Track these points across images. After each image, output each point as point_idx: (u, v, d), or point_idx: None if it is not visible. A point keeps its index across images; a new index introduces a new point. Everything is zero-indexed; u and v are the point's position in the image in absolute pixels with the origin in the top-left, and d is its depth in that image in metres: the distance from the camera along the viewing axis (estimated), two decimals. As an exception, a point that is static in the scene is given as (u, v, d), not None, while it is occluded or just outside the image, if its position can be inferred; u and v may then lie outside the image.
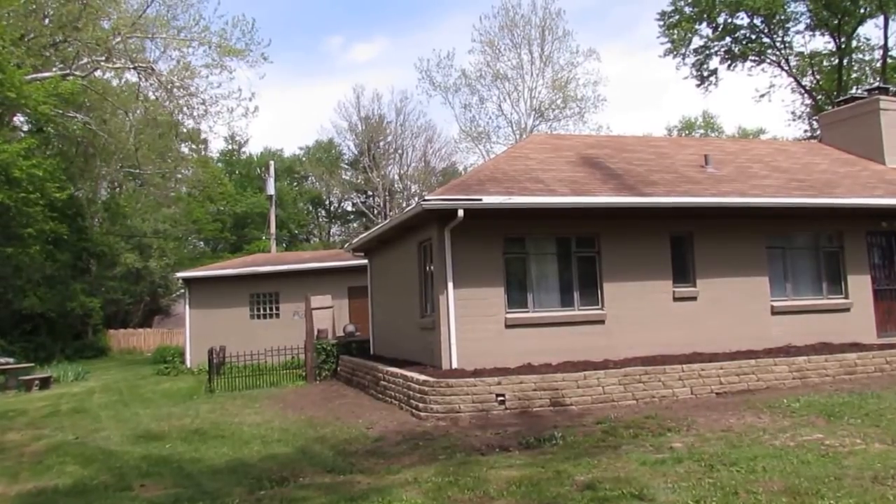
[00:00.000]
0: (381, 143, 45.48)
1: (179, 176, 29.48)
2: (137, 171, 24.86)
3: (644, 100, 69.58)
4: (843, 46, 30.15)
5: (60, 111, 21.94)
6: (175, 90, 18.02)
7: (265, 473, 7.07)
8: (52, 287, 27.63)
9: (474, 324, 11.11)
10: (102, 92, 19.88)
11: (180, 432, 10.00)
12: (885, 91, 17.73)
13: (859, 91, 19.09)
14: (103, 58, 17.37)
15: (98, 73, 20.28)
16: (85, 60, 17.85)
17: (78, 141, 24.31)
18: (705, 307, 12.36)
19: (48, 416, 12.97)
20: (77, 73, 18.80)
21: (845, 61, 30.56)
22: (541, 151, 14.34)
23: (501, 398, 9.49)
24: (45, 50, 18.13)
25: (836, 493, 4.96)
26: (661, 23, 31.91)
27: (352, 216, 55.95)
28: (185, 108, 18.43)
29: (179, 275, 23.52)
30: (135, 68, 17.66)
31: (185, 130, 22.09)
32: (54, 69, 19.02)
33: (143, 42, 17.97)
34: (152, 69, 17.68)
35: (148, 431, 10.31)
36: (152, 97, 19.06)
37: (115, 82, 20.80)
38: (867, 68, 31.18)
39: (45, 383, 18.46)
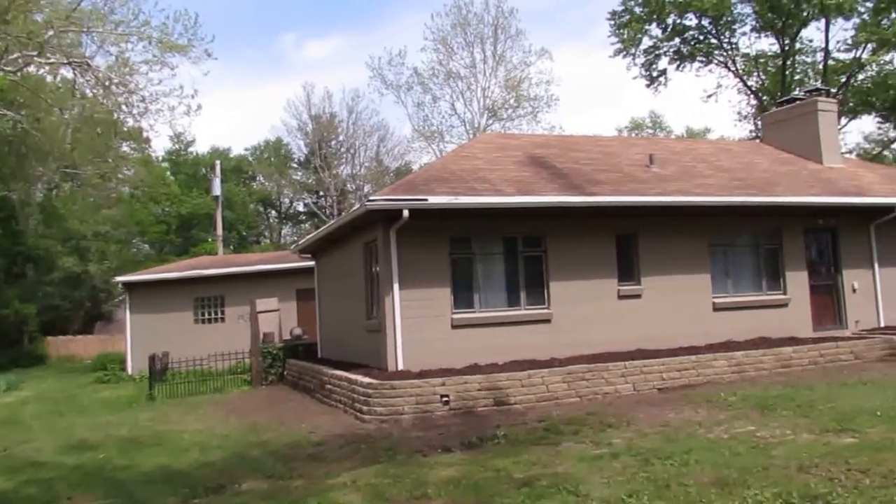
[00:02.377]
0: (333, 143, 44.90)
1: (121, 176, 28.44)
2: (74, 171, 23.84)
3: (601, 100, 70.91)
4: (786, 48, 31.15)
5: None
6: (113, 87, 17.28)
7: (201, 481, 6.90)
8: (-16, 294, 26.34)
9: (421, 325, 11.01)
10: (35, 88, 18.98)
11: (116, 441, 9.73)
12: (822, 92, 18.41)
13: (800, 92, 19.74)
14: (35, 52, 16.53)
15: (31, 69, 19.37)
16: (16, 55, 16.98)
17: (9, 140, 23.14)
18: (650, 305, 12.55)
19: (-24, 428, 12.39)
20: (7, 68, 17.92)
21: (789, 63, 31.61)
22: (488, 151, 14.34)
23: (446, 399, 9.41)
24: (-30, 44, 17.20)
25: (763, 482, 5.05)
26: (612, 22, 32.33)
27: (303, 217, 55.15)
28: (123, 106, 17.72)
29: (119, 279, 22.69)
30: (69, 64, 16.85)
31: (125, 129, 21.29)
32: (-19, 64, 18.09)
33: (78, 37, 17.19)
34: (88, 65, 16.89)
35: (82, 441, 9.99)
36: (90, 94, 18.26)
37: (49, 78, 19.93)
38: (810, 70, 32.24)
39: (-27, 394, 17.61)
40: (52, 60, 17.79)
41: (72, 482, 7.38)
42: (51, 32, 16.79)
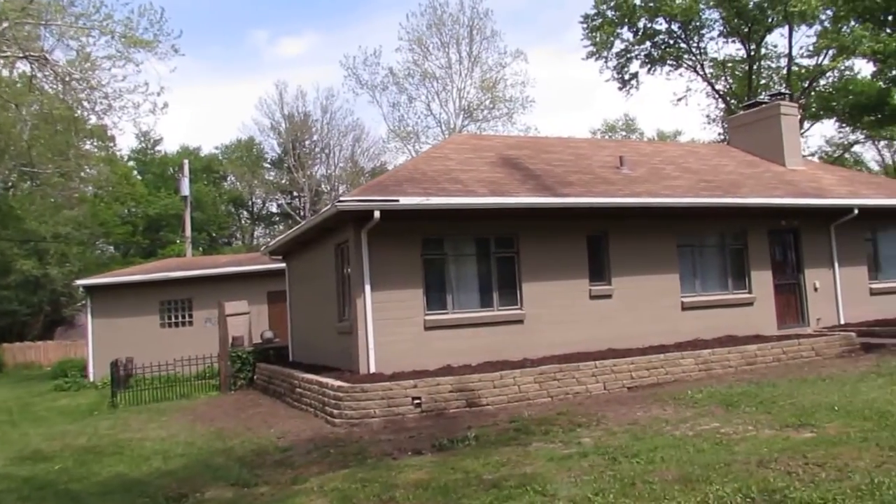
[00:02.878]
0: (307, 143, 44.41)
1: (83, 175, 27.51)
2: (33, 170, 23.05)
3: (575, 102, 71.58)
4: (752, 53, 31.88)
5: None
6: (74, 82, 16.71)
7: (161, 490, 6.71)
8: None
9: (393, 326, 10.93)
10: (-10, 83, 18.30)
11: (73, 451, 9.42)
12: (785, 97, 18.85)
13: (764, 96, 20.15)
14: (-11, 45, 15.93)
15: (-16, 63, 18.62)
16: (-33, 48, 16.32)
17: (-37, 137, 22.28)
18: (620, 304, 12.66)
19: (-80, 440, 11.91)
20: (-40, 63, 17.23)
21: (755, 67, 32.32)
22: (460, 152, 14.32)
23: (417, 401, 9.34)
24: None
25: (724, 478, 5.11)
26: (585, 26, 32.67)
27: (277, 218, 54.44)
28: (85, 103, 17.16)
29: (79, 282, 22.08)
30: (26, 58, 16.21)
31: (88, 127, 20.65)
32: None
33: (36, 29, 16.55)
34: (46, 59, 16.27)
35: (37, 452, 9.66)
36: (49, 90, 17.63)
37: (5, 73, 19.20)
38: (775, 75, 33.07)
39: (-77, 404, 16.96)
40: (7, 54, 17.15)
41: (22, 495, 7.11)
42: (6, 24, 16.17)
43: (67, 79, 16.72)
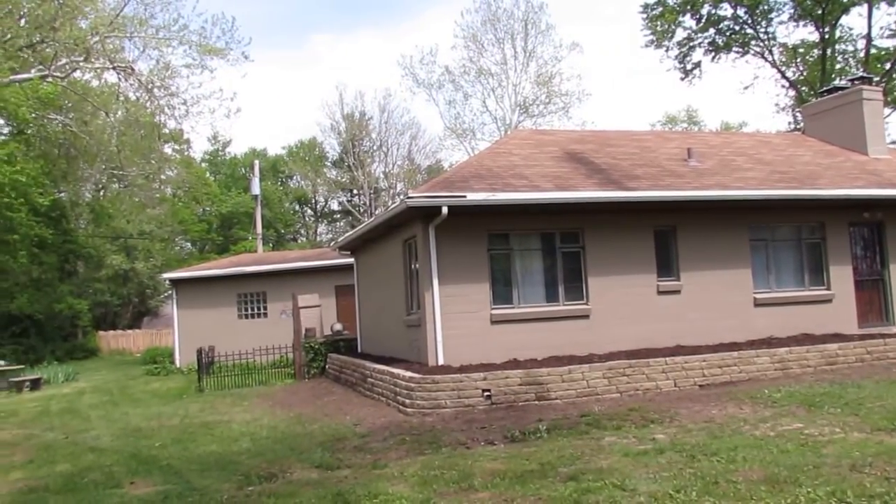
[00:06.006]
0: (365, 142, 45.28)
1: (164, 177, 29.45)
2: (121, 172, 24.76)
3: (633, 94, 69.85)
4: (826, 37, 30.21)
5: (40, 113, 21.72)
6: (156, 90, 17.90)
7: (254, 469, 7.09)
8: (40, 289, 27.77)
9: (460, 320, 11.14)
10: (82, 93, 19.72)
11: (170, 431, 10.08)
12: (867, 81, 17.72)
13: (842, 81, 19.09)
14: (82, 58, 17.18)
15: (77, 74, 20.16)
16: (63, 61, 17.66)
17: (59, 143, 24.20)
18: (689, 300, 12.45)
19: (38, 416, 13.09)
20: (56, 74, 18.64)
21: (829, 52, 30.66)
22: (524, 147, 14.37)
23: (487, 393, 9.55)
24: (22, 51, 17.93)
25: (814, 481, 4.98)
26: (645, 15, 31.86)
27: (338, 215, 55.87)
28: (166, 109, 18.35)
29: (166, 276, 23.59)
30: (114, 68, 17.47)
31: (167, 131, 22.01)
32: (32, 70, 18.86)
33: (121, 42, 17.81)
34: (132, 69, 17.51)
35: (138, 430, 10.40)
36: (133, 98, 18.94)
37: (94, 83, 20.69)
38: (851, 59, 31.27)
39: (35, 384, 18.60)
40: (97, 65, 18.44)
41: (131, 468, 7.68)
42: (96, 38, 17.40)
43: (150, 87, 17.86)
